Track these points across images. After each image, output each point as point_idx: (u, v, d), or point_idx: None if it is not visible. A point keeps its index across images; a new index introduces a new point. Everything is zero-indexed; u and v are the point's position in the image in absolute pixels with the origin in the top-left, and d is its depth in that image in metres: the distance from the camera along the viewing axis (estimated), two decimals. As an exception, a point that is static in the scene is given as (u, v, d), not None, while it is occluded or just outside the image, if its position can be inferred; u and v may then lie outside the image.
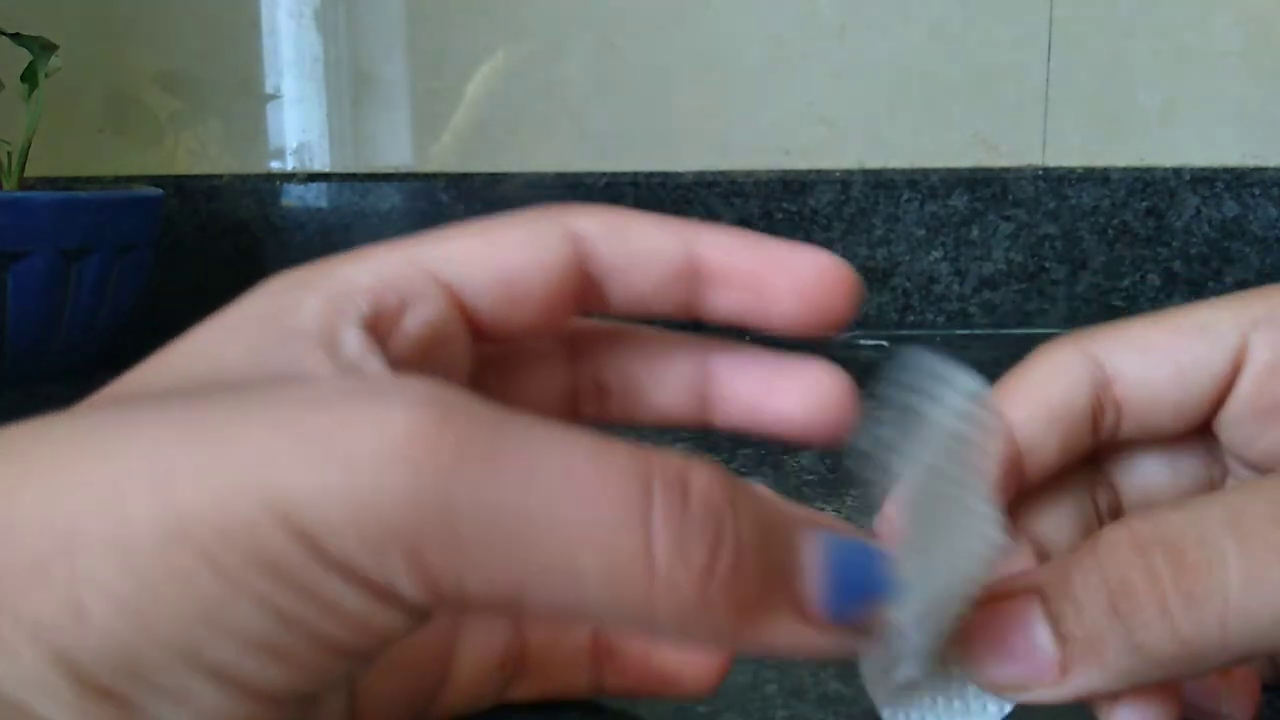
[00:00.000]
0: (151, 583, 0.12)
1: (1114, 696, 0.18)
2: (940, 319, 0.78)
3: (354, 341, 0.16)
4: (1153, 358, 0.22)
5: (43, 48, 0.60)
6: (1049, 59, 0.77)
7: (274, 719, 0.14)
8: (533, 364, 0.21)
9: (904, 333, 0.77)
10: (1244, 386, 0.22)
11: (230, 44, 0.79)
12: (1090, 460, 0.23)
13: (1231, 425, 0.22)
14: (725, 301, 0.19)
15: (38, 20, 0.64)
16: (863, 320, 0.78)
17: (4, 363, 0.59)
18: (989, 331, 0.77)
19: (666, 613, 0.14)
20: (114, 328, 0.64)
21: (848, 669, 0.27)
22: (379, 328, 0.17)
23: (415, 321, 0.17)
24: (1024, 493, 0.22)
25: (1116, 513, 0.24)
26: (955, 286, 0.78)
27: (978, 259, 0.77)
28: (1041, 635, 0.17)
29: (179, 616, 0.13)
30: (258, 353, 0.16)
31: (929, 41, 0.77)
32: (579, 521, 0.13)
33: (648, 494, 0.14)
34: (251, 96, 0.80)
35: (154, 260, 0.66)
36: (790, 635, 0.15)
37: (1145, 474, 0.23)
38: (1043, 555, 0.22)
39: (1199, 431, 0.23)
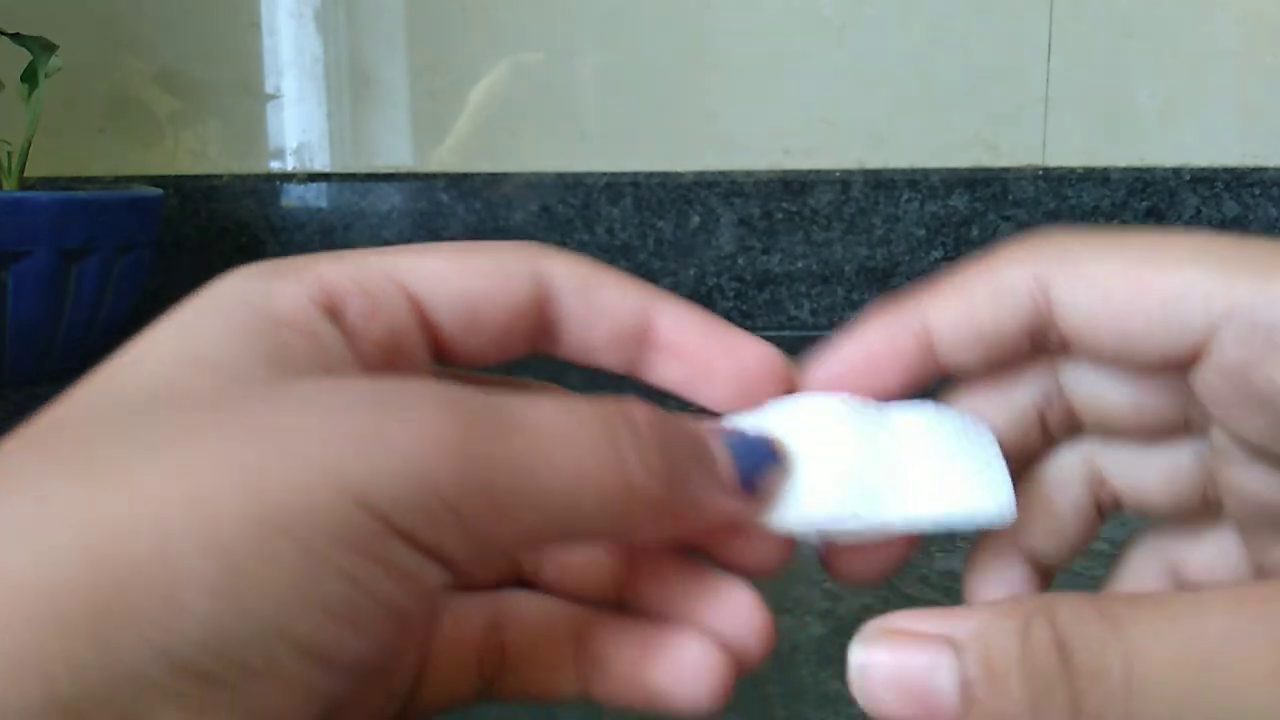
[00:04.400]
0: (246, 569, 0.15)
1: None
2: (940, 319, 0.78)
3: (331, 334, 0.19)
4: (1099, 295, 0.20)
5: (43, 48, 0.60)
6: (1049, 59, 0.77)
7: (342, 691, 0.16)
8: None
9: (904, 333, 0.77)
10: (1209, 373, 0.19)
11: (230, 44, 0.79)
12: (1048, 362, 0.22)
13: (1205, 393, 0.20)
14: (668, 371, 0.22)
15: (38, 20, 0.64)
16: (863, 320, 0.78)
17: (4, 363, 0.59)
18: (989, 331, 0.77)
19: (644, 516, 0.18)
20: (114, 328, 0.64)
21: (846, 669, 0.27)
22: (347, 324, 0.19)
23: (380, 324, 0.20)
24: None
25: (1066, 420, 0.22)
26: (955, 286, 0.78)
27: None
28: (946, 682, 0.18)
29: (271, 595, 0.15)
30: (247, 336, 0.18)
31: (929, 41, 0.77)
32: (575, 470, 0.17)
33: (612, 433, 0.18)
34: (251, 96, 0.80)
35: (154, 260, 0.66)
36: (723, 504, 0.20)
37: (1103, 396, 0.22)
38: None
39: (1173, 371, 0.20)
